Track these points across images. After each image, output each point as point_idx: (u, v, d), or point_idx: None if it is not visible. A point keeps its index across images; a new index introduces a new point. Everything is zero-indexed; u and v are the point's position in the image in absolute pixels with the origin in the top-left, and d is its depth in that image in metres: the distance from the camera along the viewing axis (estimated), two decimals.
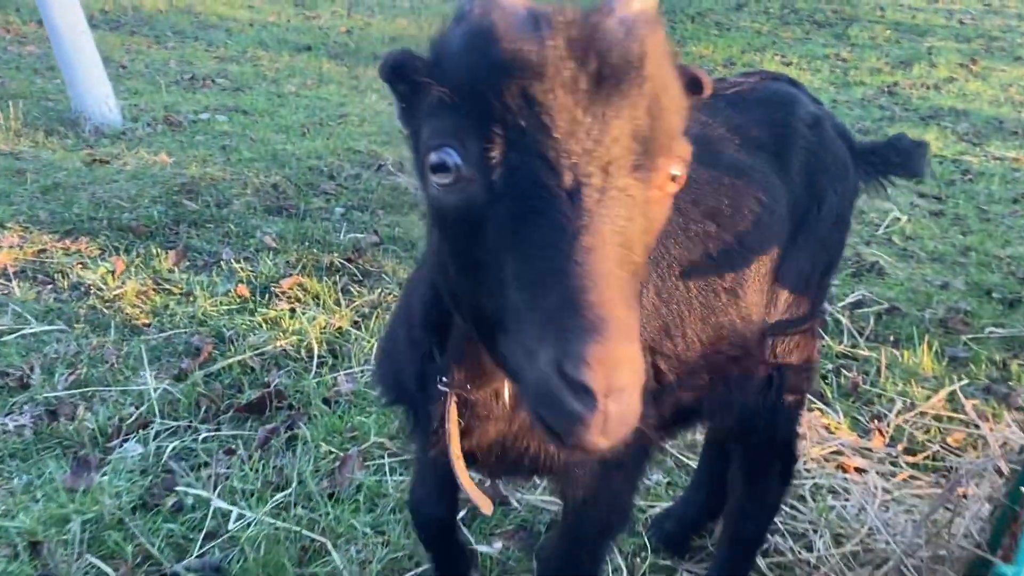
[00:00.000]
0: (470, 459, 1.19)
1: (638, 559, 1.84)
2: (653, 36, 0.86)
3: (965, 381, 2.61)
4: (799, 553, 1.84)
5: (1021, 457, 2.09)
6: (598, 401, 0.70)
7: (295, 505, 1.89)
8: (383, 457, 2.08)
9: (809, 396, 2.43)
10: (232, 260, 3.06)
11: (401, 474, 2.03)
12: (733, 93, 1.64)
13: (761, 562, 1.79)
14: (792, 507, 2.01)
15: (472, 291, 0.88)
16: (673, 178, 0.87)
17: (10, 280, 2.85)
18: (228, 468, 2.05)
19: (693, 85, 0.95)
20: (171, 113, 4.60)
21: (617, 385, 0.70)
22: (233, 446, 2.14)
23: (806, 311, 1.61)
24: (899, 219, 3.84)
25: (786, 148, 1.57)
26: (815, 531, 1.90)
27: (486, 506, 1.18)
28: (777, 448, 1.66)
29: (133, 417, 2.27)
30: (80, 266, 2.96)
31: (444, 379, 1.10)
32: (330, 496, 1.93)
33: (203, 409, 2.32)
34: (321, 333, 2.67)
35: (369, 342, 2.63)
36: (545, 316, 0.74)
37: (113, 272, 2.95)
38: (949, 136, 5.11)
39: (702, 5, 8.50)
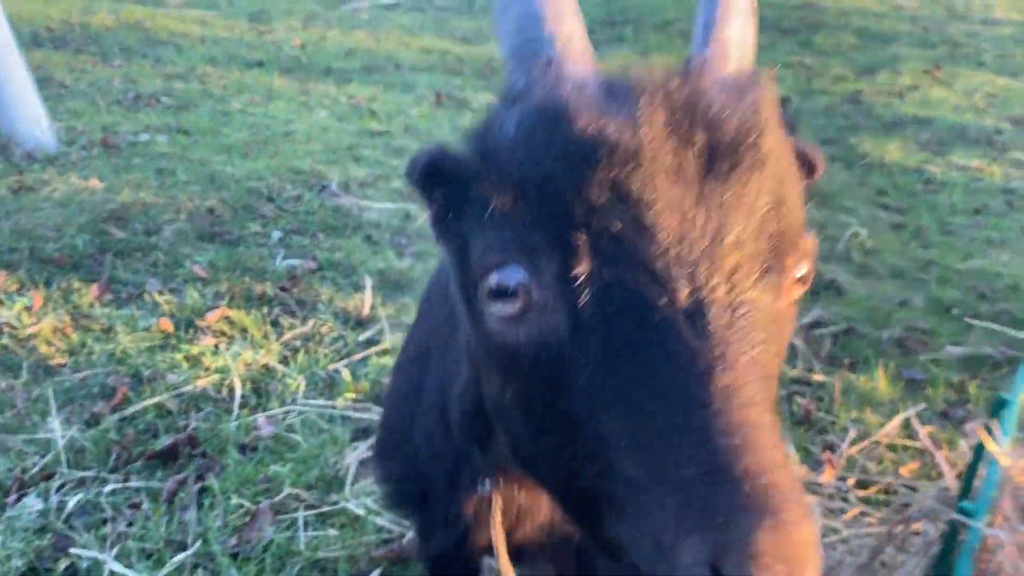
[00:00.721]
0: (515, 554, 1.04)
1: None
2: (766, 101, 0.70)
3: (922, 406, 2.52)
4: None
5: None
6: None
7: (195, 568, 1.77)
8: (297, 510, 1.96)
9: None
10: (156, 292, 2.93)
11: (315, 529, 1.91)
12: None
13: None
14: None
15: (554, 454, 0.68)
16: (801, 280, 0.71)
17: None
18: (130, 525, 1.92)
19: (804, 165, 0.77)
20: (109, 134, 4.45)
21: None
22: (138, 500, 2.01)
23: None
24: (858, 233, 3.76)
25: None
26: None
27: None
28: None
29: (36, 467, 2.14)
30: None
31: (488, 480, 0.93)
32: (234, 556, 1.80)
33: (113, 457, 2.19)
34: (245, 371, 2.55)
35: (295, 380, 2.50)
36: (683, 493, 0.56)
37: (30, 308, 2.81)
38: (912, 145, 5.06)
39: (667, 14, 8.45)
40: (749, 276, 0.63)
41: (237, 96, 5.44)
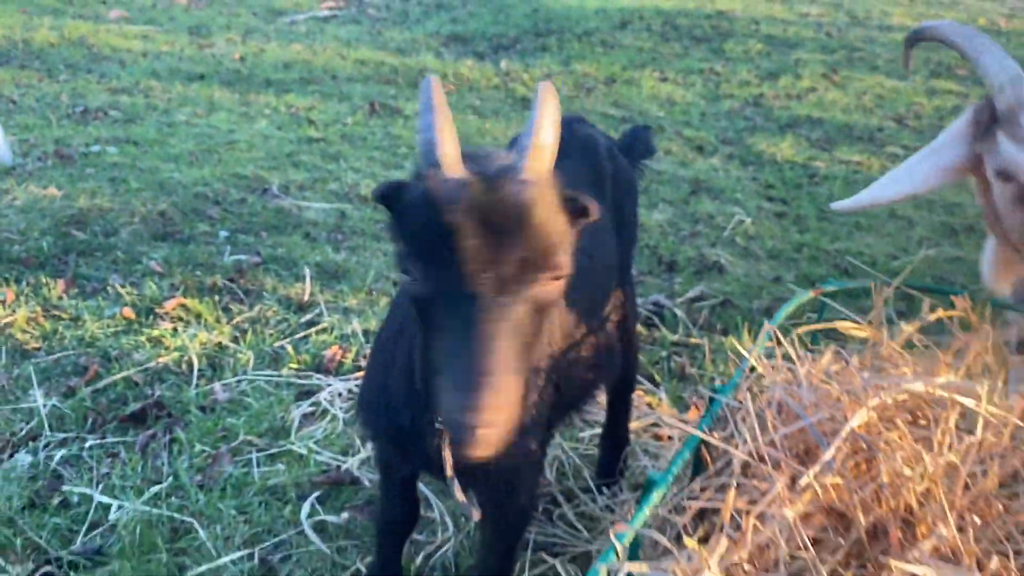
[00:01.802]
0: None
1: None
2: (544, 195, 1.23)
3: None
4: (605, 499, 2.21)
5: None
6: (474, 430, 1.11)
7: (168, 496, 2.18)
8: (251, 452, 2.38)
9: (640, 380, 2.83)
10: (118, 285, 3.31)
11: (266, 466, 2.33)
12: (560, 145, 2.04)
13: (569, 512, 2.15)
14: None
15: (424, 349, 1.29)
16: (557, 278, 1.25)
17: None
18: (111, 470, 2.32)
19: (583, 212, 1.31)
20: (62, 147, 4.79)
21: (485, 423, 1.11)
22: (116, 451, 2.41)
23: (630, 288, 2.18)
24: (743, 221, 4.29)
25: (602, 182, 2.01)
26: (621, 489, 2.27)
27: (476, 514, 1.50)
28: (629, 387, 2.30)
29: (23, 431, 2.52)
30: None
31: (439, 421, 1.39)
32: (200, 487, 2.22)
33: (90, 421, 2.58)
34: (201, 348, 2.95)
35: (245, 355, 2.92)
36: (455, 374, 1.15)
37: (3, 301, 3.17)
38: (803, 143, 5.63)
39: (588, 24, 8.97)
40: (510, 283, 1.18)
41: (181, 108, 5.79)
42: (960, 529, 1.28)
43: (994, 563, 1.20)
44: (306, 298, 3.34)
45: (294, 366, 2.88)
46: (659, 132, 5.85)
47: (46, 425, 2.54)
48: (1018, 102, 1.86)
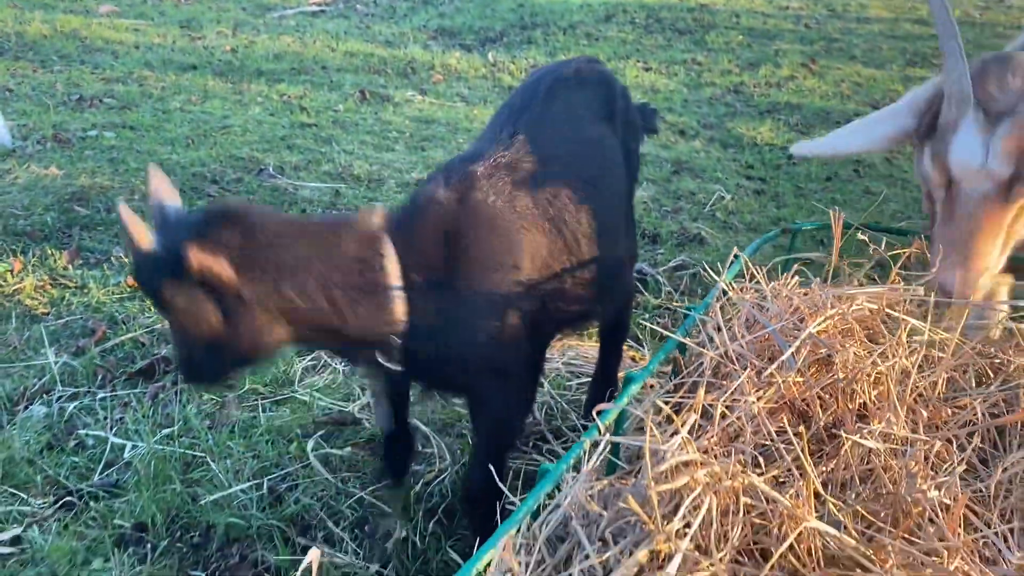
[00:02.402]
0: None
1: None
2: None
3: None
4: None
5: None
6: None
7: (180, 436, 2.30)
8: (256, 399, 2.51)
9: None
10: (122, 255, 3.42)
11: (271, 410, 2.46)
12: (575, 76, 2.18)
13: (557, 447, 2.29)
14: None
15: None
16: None
17: None
18: (123, 415, 2.44)
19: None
20: (60, 131, 4.89)
21: None
22: (127, 400, 2.53)
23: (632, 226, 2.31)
24: (724, 198, 4.45)
25: (613, 115, 2.14)
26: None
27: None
28: (623, 328, 2.39)
29: (36, 386, 2.63)
30: None
31: None
32: (210, 428, 2.34)
33: (100, 377, 2.69)
34: None
35: None
36: None
37: (12, 271, 3.27)
38: (782, 127, 5.80)
39: (573, 18, 9.13)
40: None
41: (175, 96, 5.89)
42: (910, 422, 1.42)
43: (937, 446, 1.34)
44: None
45: None
46: None
47: (58, 381, 2.65)
48: (953, 123, 1.83)
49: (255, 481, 2.13)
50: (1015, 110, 1.75)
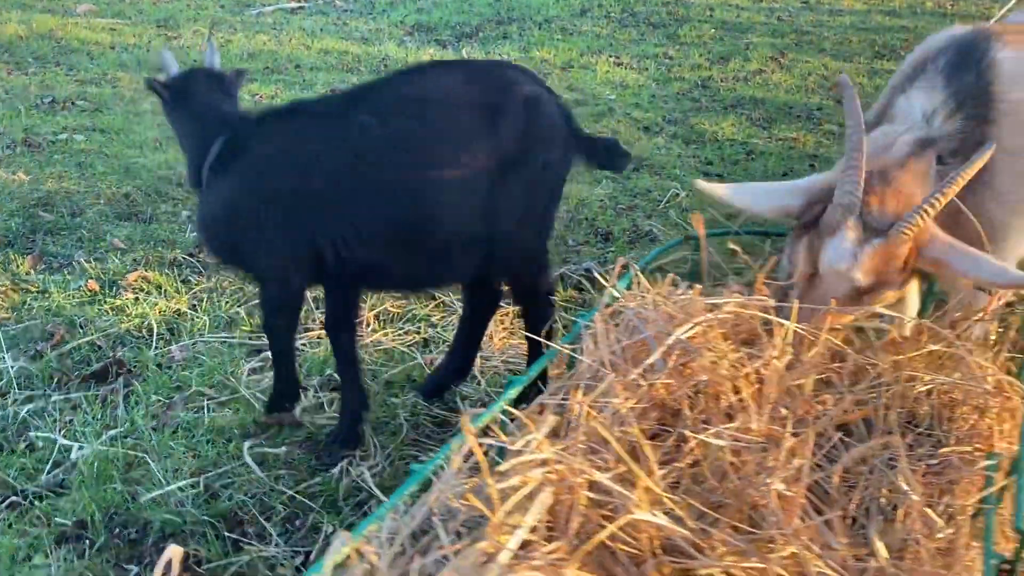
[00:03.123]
0: None
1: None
2: None
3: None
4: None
5: None
6: None
7: (124, 437, 2.42)
8: (202, 400, 2.62)
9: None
10: (83, 261, 3.53)
11: (215, 411, 2.57)
12: (473, 71, 2.40)
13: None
14: None
15: None
16: None
17: None
18: (73, 418, 2.55)
19: None
20: (30, 135, 4.99)
21: None
22: (78, 403, 2.65)
23: (530, 221, 2.35)
24: (678, 195, 4.56)
25: (498, 114, 2.22)
26: None
27: None
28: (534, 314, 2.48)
29: (4, 380, 2.75)
30: None
31: None
32: (154, 429, 2.46)
33: (55, 380, 2.81)
34: (160, 315, 3.18)
35: (201, 320, 3.15)
36: None
37: None
38: (744, 122, 5.90)
39: (549, 12, 9.21)
40: None
41: (147, 98, 5.97)
42: (774, 419, 1.54)
43: (791, 442, 1.46)
44: None
45: (247, 328, 3.12)
46: (609, 114, 6.11)
47: (14, 384, 2.77)
48: (834, 227, 1.94)
49: (192, 479, 2.25)
50: (887, 233, 1.91)
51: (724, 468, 1.39)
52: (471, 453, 1.32)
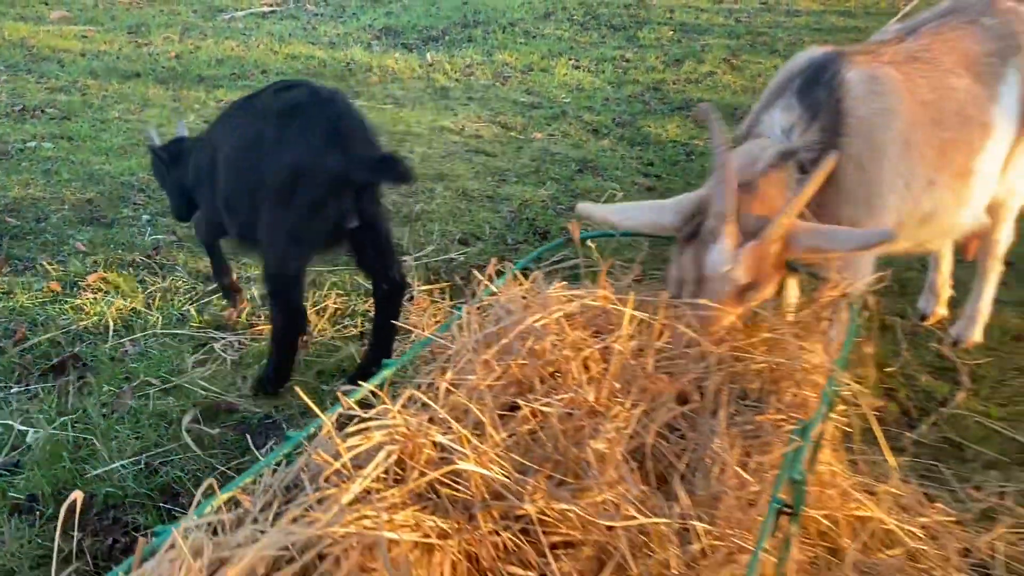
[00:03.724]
0: None
1: None
2: None
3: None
4: None
5: None
6: None
7: (76, 423, 2.70)
8: (148, 389, 2.90)
9: None
10: (46, 263, 3.80)
11: (159, 398, 2.85)
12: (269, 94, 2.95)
13: None
14: None
15: None
16: None
17: None
18: (30, 406, 2.83)
19: None
20: (0, 143, 5.24)
21: None
22: (36, 393, 2.92)
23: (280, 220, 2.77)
24: (616, 195, 4.85)
25: (265, 123, 2.77)
26: None
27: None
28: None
29: None
30: None
31: None
32: (104, 416, 2.74)
33: (16, 374, 3.07)
34: (117, 313, 3.45)
35: (155, 317, 3.43)
36: None
37: None
38: (688, 124, 6.20)
39: (514, 15, 9.50)
40: None
41: (116, 105, 6.24)
42: (615, 393, 1.83)
43: (617, 410, 1.75)
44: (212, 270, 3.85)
45: (196, 324, 3.39)
46: (562, 116, 6.41)
47: None
48: (713, 233, 2.19)
49: (135, 458, 2.52)
50: (759, 235, 2.21)
51: (556, 433, 1.67)
52: (348, 421, 1.60)
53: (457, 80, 7.43)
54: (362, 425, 1.49)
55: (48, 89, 6.59)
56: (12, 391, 2.94)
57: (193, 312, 3.47)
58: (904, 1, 10.11)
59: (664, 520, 1.59)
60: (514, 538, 1.54)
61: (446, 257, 4.04)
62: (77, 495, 1.26)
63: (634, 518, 1.56)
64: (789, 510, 1.65)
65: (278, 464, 1.52)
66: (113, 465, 2.47)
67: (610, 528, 1.55)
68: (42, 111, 6.01)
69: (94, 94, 6.48)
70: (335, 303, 3.53)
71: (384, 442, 1.48)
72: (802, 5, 9.87)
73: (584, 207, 2.51)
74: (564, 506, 1.52)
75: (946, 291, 3.68)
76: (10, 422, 2.71)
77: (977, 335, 3.48)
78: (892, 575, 2.23)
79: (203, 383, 2.92)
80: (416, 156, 5.43)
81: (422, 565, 1.44)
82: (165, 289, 3.67)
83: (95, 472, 2.44)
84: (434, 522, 1.46)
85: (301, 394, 1.75)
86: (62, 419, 2.71)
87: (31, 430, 2.67)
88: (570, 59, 8.03)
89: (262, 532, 1.32)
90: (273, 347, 2.90)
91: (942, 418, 3.02)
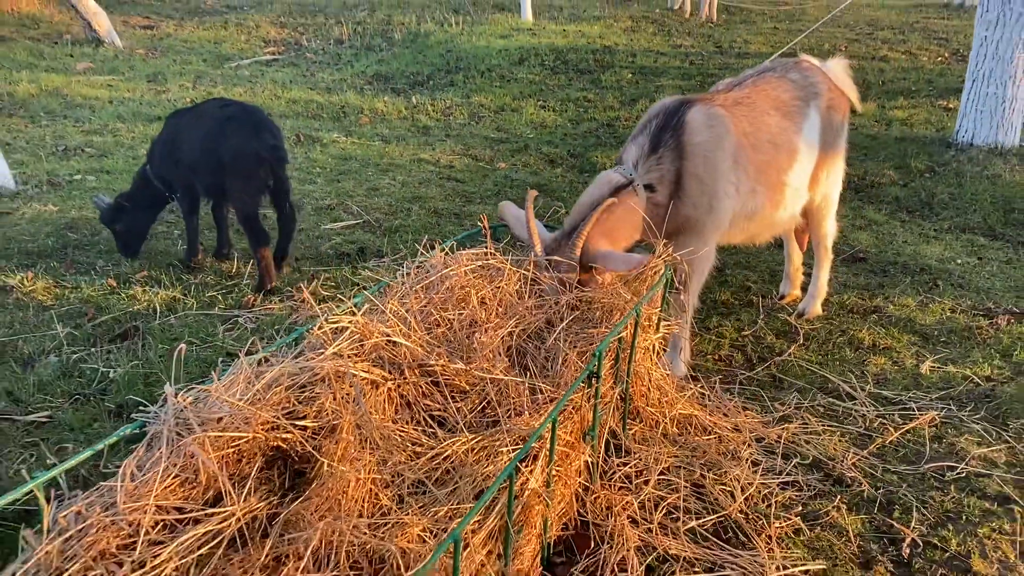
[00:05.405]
0: None
1: None
2: None
3: None
4: None
5: None
6: None
7: (142, 365, 3.88)
8: (192, 346, 4.09)
9: None
10: (103, 265, 5.01)
11: (200, 351, 4.04)
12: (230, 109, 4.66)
13: None
14: None
15: None
16: None
17: None
18: (109, 357, 4.01)
19: None
20: (52, 177, 6.49)
21: None
22: (111, 351, 4.11)
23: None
24: (559, 212, 6.06)
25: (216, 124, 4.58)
26: None
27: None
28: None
29: (51, 347, 4.20)
30: (5, 277, 4.85)
31: None
32: (161, 360, 3.92)
33: (92, 340, 4.26)
34: (162, 300, 4.65)
35: (191, 301, 4.62)
36: None
37: (27, 278, 4.85)
38: None
39: (492, 61, 10.81)
40: None
41: (143, 145, 7.50)
42: (497, 315, 3.01)
43: (496, 321, 2.93)
44: (233, 270, 5.06)
45: (223, 307, 4.59)
46: (525, 149, 7.65)
47: (64, 343, 4.22)
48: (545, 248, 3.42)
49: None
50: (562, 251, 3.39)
51: (457, 333, 2.85)
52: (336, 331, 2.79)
53: (437, 120, 8.70)
54: (336, 319, 2.67)
55: (84, 132, 7.85)
56: (93, 351, 4.13)
57: (220, 299, 4.67)
58: (847, 41, 11.43)
59: (519, 379, 2.77)
60: (428, 386, 2.72)
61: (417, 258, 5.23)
62: (182, 347, 2.44)
63: (499, 378, 2.75)
64: (595, 376, 2.83)
65: (292, 343, 2.71)
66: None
67: (484, 381, 2.73)
68: (82, 150, 7.27)
69: (124, 136, 7.75)
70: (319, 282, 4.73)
71: (348, 327, 2.67)
72: (752, 48, 11.18)
73: (503, 205, 3.72)
74: (458, 366, 2.71)
75: (799, 278, 4.88)
76: (96, 366, 3.90)
77: (817, 309, 4.68)
78: (702, 447, 3.41)
79: (231, 342, 4.11)
80: (397, 183, 6.66)
81: (370, 395, 2.62)
82: (197, 284, 4.87)
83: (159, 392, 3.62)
84: (379, 371, 2.64)
85: (308, 297, 2.92)
86: (133, 363, 3.89)
87: (110, 370, 3.86)
88: (538, 100, 9.30)
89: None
90: (256, 257, 4.78)
91: (775, 364, 4.19)
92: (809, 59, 4.33)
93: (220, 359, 3.74)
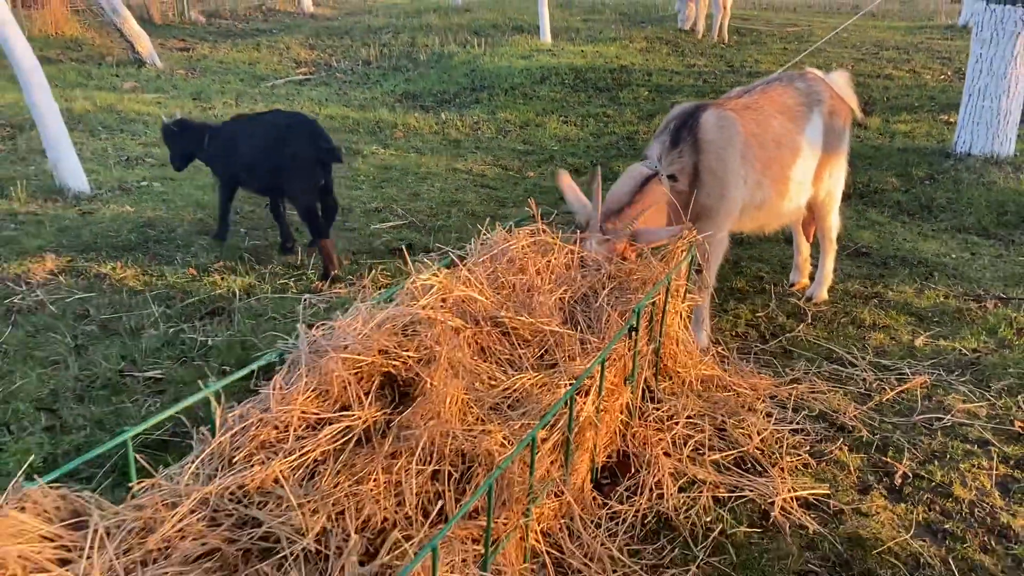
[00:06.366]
0: None
1: None
2: None
3: None
4: None
5: None
6: None
7: (236, 335, 4.50)
8: (275, 321, 4.71)
9: None
10: (182, 257, 5.66)
11: (278, 322, 4.66)
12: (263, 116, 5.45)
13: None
14: None
15: None
16: None
17: (57, 276, 5.37)
18: (206, 328, 4.64)
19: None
20: (122, 183, 7.15)
21: None
22: (205, 326, 4.73)
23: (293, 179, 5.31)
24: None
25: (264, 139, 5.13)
26: None
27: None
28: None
29: (149, 322, 4.83)
30: (98, 266, 5.49)
31: None
32: (252, 330, 4.55)
33: (184, 317, 4.89)
34: (240, 286, 5.29)
35: (265, 287, 5.26)
36: None
37: (116, 268, 5.49)
38: None
39: (514, 80, 11.49)
40: None
41: None
42: (551, 282, 3.63)
43: (550, 287, 3.54)
44: (298, 261, 5.70)
45: (294, 292, 5.22)
46: (550, 160, 8.30)
47: (159, 320, 4.85)
48: (593, 225, 4.06)
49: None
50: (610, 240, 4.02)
51: (519, 294, 3.47)
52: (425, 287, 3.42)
53: (466, 134, 9.36)
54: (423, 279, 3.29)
55: (142, 144, 8.54)
56: (186, 326, 4.75)
57: (291, 285, 5.30)
58: (853, 61, 12.07)
59: (572, 332, 3.39)
60: (498, 336, 3.34)
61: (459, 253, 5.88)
62: (307, 298, 3.06)
63: (556, 330, 3.36)
64: (635, 329, 3.44)
65: (386, 301, 3.33)
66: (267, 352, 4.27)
67: (544, 332, 3.34)
68: (143, 160, 7.95)
69: None
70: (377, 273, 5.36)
71: (433, 284, 3.29)
72: (763, 67, 11.84)
73: (560, 172, 4.37)
74: (523, 319, 3.33)
75: (807, 267, 5.49)
76: (195, 336, 4.52)
77: (823, 294, 5.28)
78: (723, 401, 4.01)
79: (310, 318, 4.73)
80: (436, 189, 7.31)
81: (452, 340, 3.23)
82: (269, 272, 5.51)
83: (258, 355, 4.24)
84: (460, 321, 3.26)
85: (368, 283, 3.54)
86: (227, 333, 4.52)
87: (209, 339, 4.48)
88: (560, 116, 9.96)
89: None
90: (318, 246, 5.49)
91: (786, 339, 4.80)
92: (814, 71, 4.96)
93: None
